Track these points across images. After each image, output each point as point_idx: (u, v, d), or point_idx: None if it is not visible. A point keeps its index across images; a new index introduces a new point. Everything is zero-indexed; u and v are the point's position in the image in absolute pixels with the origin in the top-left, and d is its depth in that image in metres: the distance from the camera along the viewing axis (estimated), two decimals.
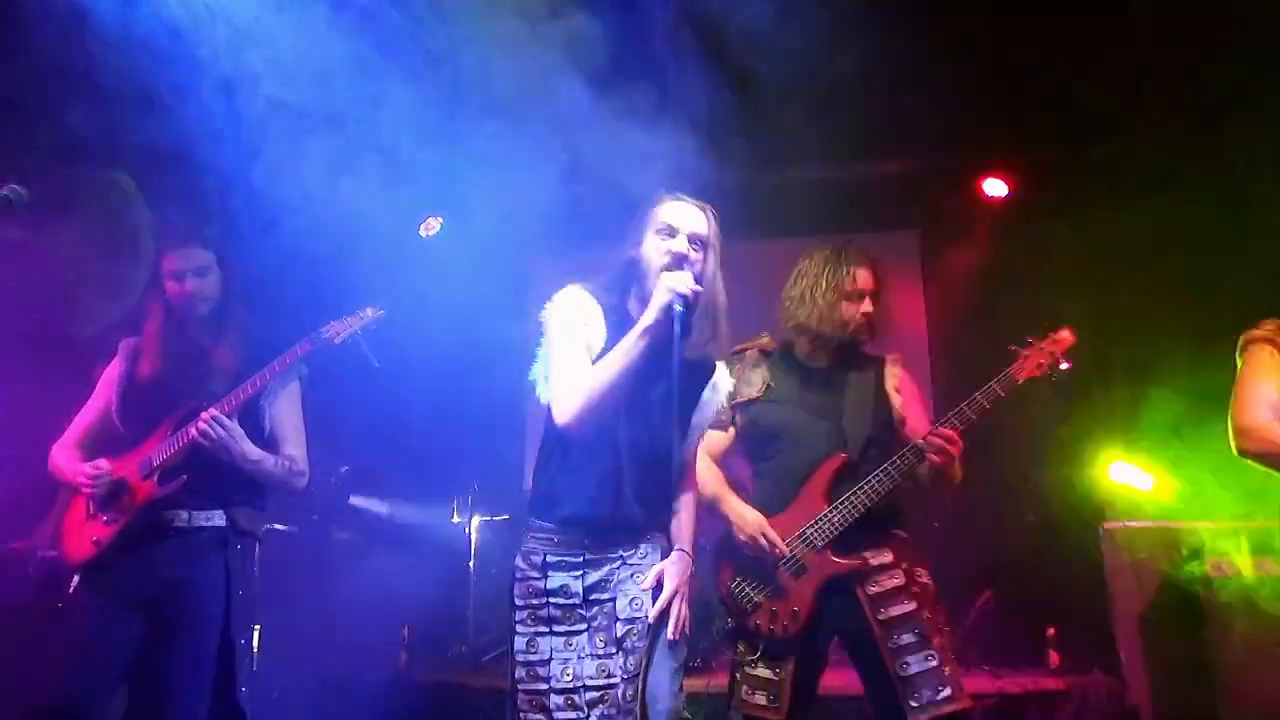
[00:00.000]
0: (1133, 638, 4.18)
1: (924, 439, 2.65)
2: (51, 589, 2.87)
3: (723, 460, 2.95)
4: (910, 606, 2.66)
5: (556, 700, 2.34)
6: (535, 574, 2.42)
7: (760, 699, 2.67)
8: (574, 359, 2.35)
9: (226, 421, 2.77)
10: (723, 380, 2.57)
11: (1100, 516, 4.47)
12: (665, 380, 2.32)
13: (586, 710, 2.32)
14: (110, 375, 3.02)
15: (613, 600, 2.38)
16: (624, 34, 3.79)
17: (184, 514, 2.80)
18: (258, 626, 4.45)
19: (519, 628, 2.42)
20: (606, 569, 2.40)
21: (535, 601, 2.41)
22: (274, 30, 3.59)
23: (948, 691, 2.55)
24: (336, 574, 5.29)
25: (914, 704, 2.54)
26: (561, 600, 2.39)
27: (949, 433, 2.62)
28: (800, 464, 2.77)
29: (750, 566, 2.74)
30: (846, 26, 4.24)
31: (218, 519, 2.84)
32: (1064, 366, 2.69)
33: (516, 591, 2.45)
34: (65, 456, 2.94)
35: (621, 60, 3.78)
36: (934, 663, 2.58)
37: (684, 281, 2.26)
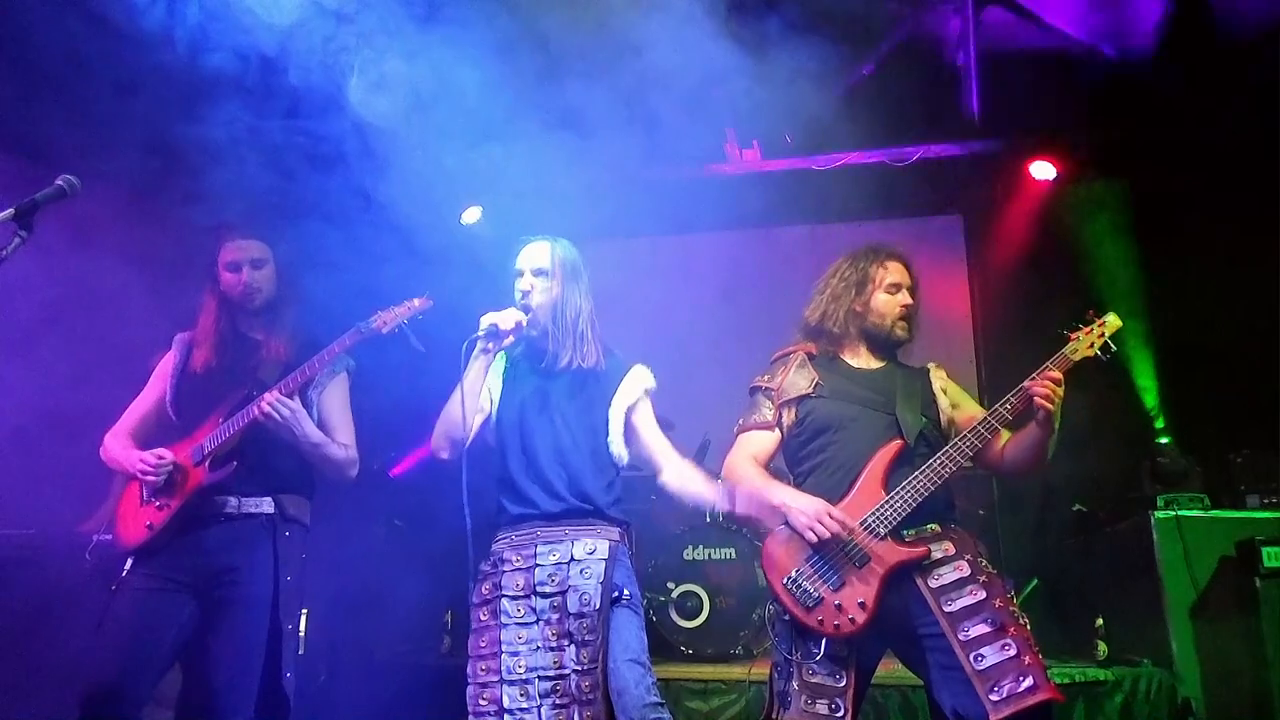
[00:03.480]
0: (1185, 628, 4.10)
1: (1026, 387, 2.61)
2: (107, 572, 2.93)
3: (769, 463, 2.90)
4: (980, 595, 2.52)
5: (510, 692, 2.46)
6: (491, 571, 2.65)
7: (822, 708, 2.54)
8: None
9: (290, 402, 2.82)
10: (641, 377, 2.85)
11: (1151, 504, 4.38)
12: (559, 388, 2.75)
13: (539, 700, 2.44)
14: (164, 367, 3.08)
15: (562, 594, 2.53)
16: (663, 21, 3.77)
17: (234, 500, 2.86)
18: (304, 611, 4.52)
19: (473, 624, 2.61)
20: (554, 562, 2.58)
21: (489, 596, 2.60)
22: (330, 21, 3.63)
23: (1030, 681, 2.35)
24: (381, 560, 5.35)
25: (994, 698, 2.35)
26: (513, 593, 2.57)
27: (1055, 375, 2.61)
28: (855, 455, 2.71)
29: (807, 560, 2.63)
30: (887, 8, 4.19)
31: (266, 506, 2.88)
32: (1113, 349, 2.67)
33: (475, 592, 2.65)
34: (119, 445, 3.00)
35: (659, 48, 3.76)
36: (1012, 651, 2.41)
37: (501, 318, 2.67)
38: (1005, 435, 2.78)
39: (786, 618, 2.65)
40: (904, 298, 2.90)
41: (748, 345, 3.66)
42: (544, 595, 2.55)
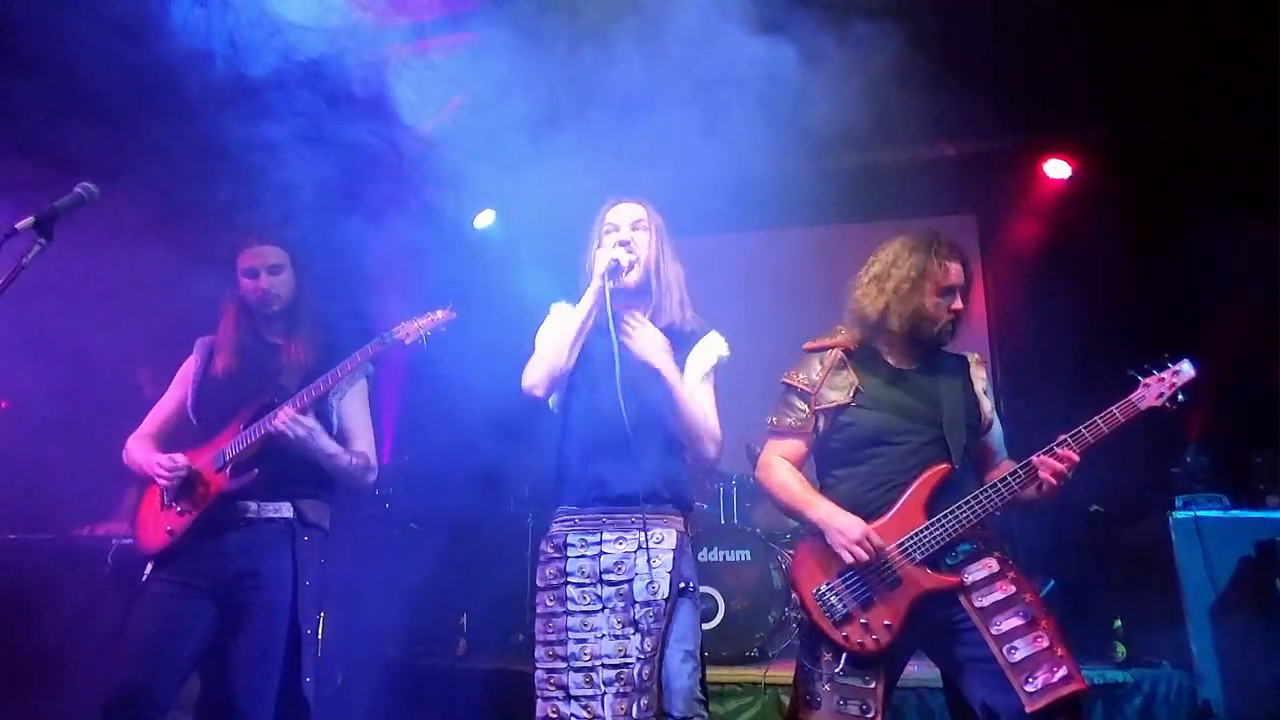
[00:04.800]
0: (1204, 630, 4.08)
1: (1040, 458, 2.53)
2: (128, 577, 2.95)
3: (803, 465, 2.83)
4: (1011, 589, 2.51)
5: (575, 678, 2.44)
6: (556, 555, 2.59)
7: (853, 709, 2.52)
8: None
9: (304, 419, 2.83)
10: (713, 344, 2.74)
11: (1169, 505, 4.35)
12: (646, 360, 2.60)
13: (604, 688, 2.41)
14: (186, 372, 3.10)
15: (629, 583, 2.49)
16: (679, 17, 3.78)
17: (253, 505, 2.87)
18: (322, 614, 4.54)
19: (539, 609, 2.57)
20: (623, 550, 2.53)
21: (555, 582, 2.56)
22: (352, 29, 3.66)
23: (1064, 671, 2.37)
24: (397, 563, 5.37)
25: (1029, 689, 2.36)
26: (579, 580, 2.53)
27: (1070, 455, 2.51)
28: (896, 471, 2.63)
29: (837, 574, 2.61)
30: (902, 7, 4.18)
31: (286, 511, 2.90)
32: (1181, 400, 2.55)
33: (539, 574, 2.61)
34: (141, 448, 3.02)
35: (684, 45, 3.77)
36: (1045, 643, 2.41)
37: (614, 252, 2.64)
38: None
39: (813, 627, 2.63)
40: (955, 302, 2.74)
41: (759, 346, 3.64)
42: (610, 583, 2.51)
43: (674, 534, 2.58)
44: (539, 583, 2.60)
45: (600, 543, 2.55)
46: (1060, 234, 6.08)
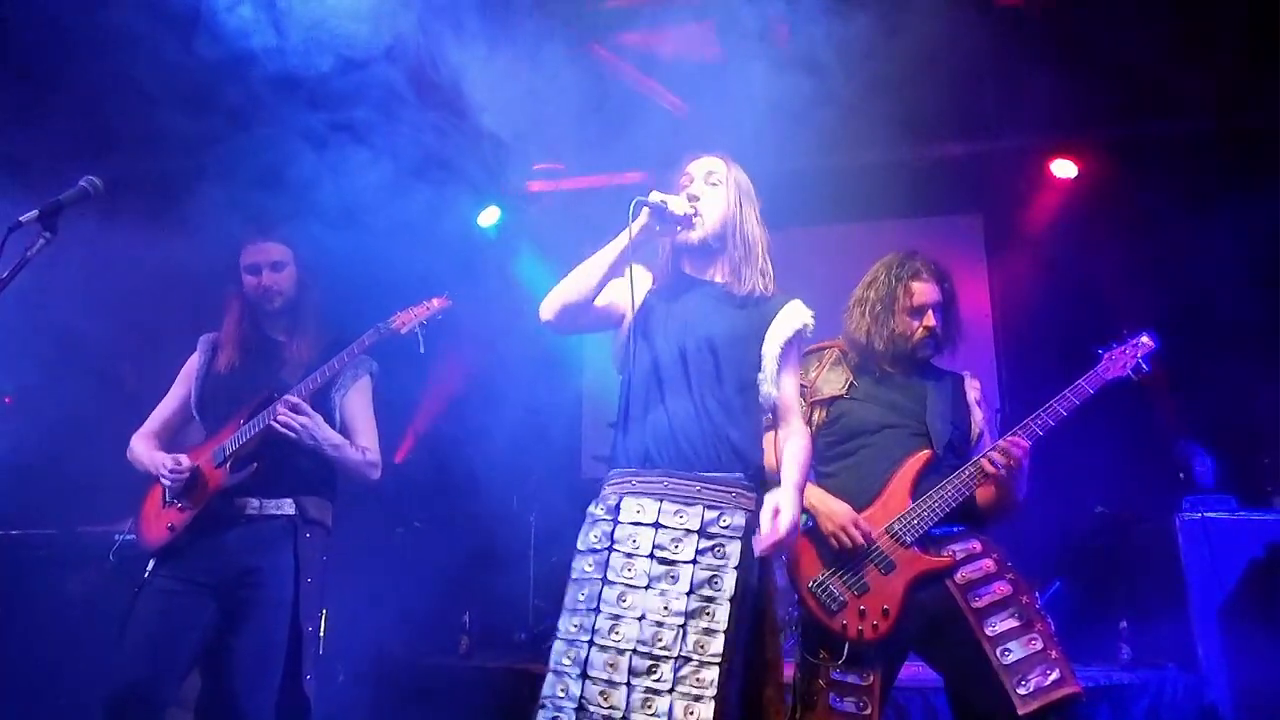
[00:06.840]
0: (1211, 631, 4.06)
1: (1011, 439, 2.62)
2: (130, 573, 2.95)
3: None
4: (1007, 591, 2.57)
5: (598, 657, 2.09)
6: (606, 516, 2.25)
7: (849, 706, 2.56)
8: None
9: (304, 407, 2.82)
10: (793, 312, 2.42)
11: (1176, 506, 4.34)
12: (716, 314, 2.37)
13: (630, 677, 2.05)
14: (189, 368, 3.10)
15: (690, 564, 2.14)
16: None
17: (255, 502, 2.86)
18: (324, 612, 4.53)
19: (573, 574, 2.24)
20: (683, 528, 2.17)
21: (598, 546, 2.22)
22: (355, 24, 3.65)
23: (1057, 675, 2.41)
24: (400, 560, 5.36)
25: (1021, 691, 2.40)
26: (627, 550, 2.18)
27: (1019, 441, 2.61)
28: (884, 461, 2.71)
29: (832, 563, 2.64)
30: (908, 5, 4.17)
31: (288, 507, 2.88)
32: (1146, 369, 2.69)
33: (580, 536, 2.27)
34: (144, 446, 3.01)
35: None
36: (1039, 646, 2.47)
37: (672, 199, 2.34)
38: None
39: (811, 620, 2.65)
40: (928, 319, 2.79)
41: None
42: (664, 561, 2.14)
43: (743, 516, 2.21)
44: (579, 545, 2.26)
45: (659, 512, 2.20)
46: (1067, 234, 6.05)
